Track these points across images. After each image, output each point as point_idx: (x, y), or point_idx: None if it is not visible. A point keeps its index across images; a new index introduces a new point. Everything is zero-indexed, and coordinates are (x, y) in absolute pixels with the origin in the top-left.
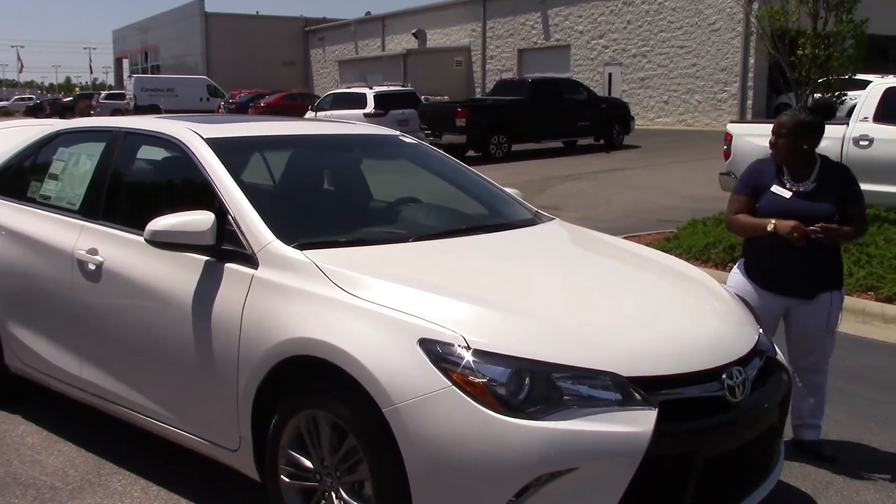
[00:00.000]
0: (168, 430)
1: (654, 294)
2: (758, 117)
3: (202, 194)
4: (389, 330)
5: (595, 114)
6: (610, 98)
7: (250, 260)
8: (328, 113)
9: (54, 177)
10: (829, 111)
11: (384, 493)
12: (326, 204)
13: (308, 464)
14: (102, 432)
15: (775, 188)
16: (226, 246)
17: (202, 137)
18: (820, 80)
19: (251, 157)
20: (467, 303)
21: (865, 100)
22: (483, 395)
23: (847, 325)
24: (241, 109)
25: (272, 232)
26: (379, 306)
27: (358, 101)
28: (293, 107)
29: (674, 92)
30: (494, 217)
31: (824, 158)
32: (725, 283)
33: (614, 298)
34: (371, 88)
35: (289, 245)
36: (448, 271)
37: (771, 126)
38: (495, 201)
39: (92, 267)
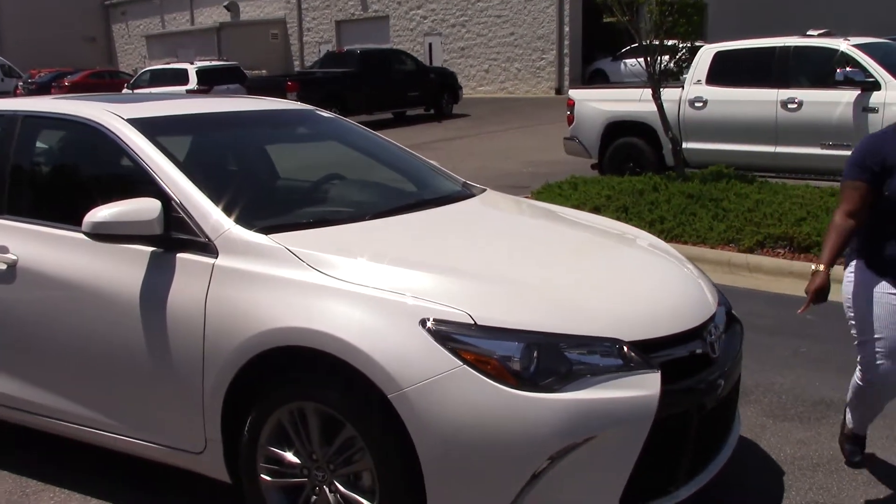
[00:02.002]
0: (113, 438)
1: (625, 259)
2: (575, 84)
3: (135, 181)
4: (385, 312)
5: (424, 84)
6: (437, 68)
7: (206, 248)
8: (147, 90)
9: None
10: None
11: (391, 482)
12: (268, 184)
13: (294, 459)
14: (12, 450)
15: None
16: (175, 235)
17: (123, 118)
18: (668, 45)
19: (179, 137)
20: (458, 279)
21: (698, 63)
22: (498, 371)
23: (717, 276)
24: (43, 90)
25: (228, 217)
26: (368, 288)
27: (179, 76)
28: (102, 85)
29: (494, 61)
30: (433, 190)
31: None
32: (845, 294)
33: (592, 265)
34: (192, 63)
35: (249, 230)
36: (423, 248)
37: (611, 90)
38: (426, 174)
39: (2, 266)
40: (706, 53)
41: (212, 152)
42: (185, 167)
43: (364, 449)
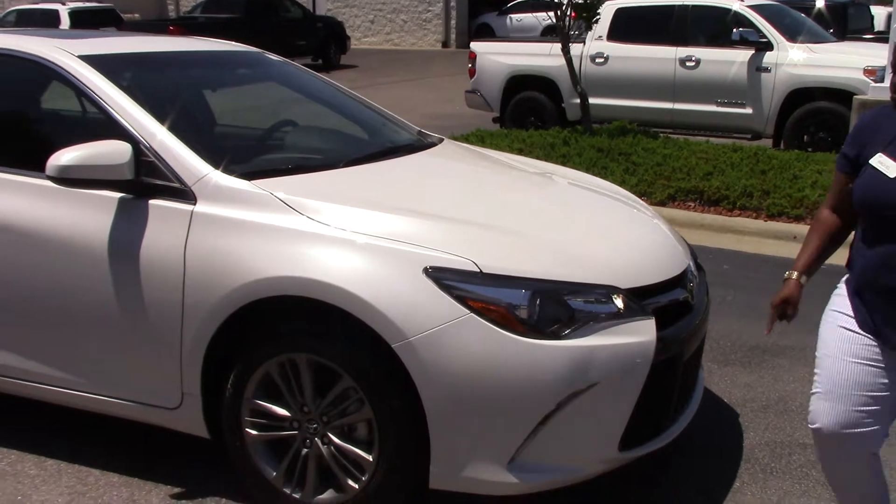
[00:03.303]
0: (77, 396)
1: (606, 209)
2: (461, 37)
3: (95, 123)
4: (387, 260)
5: (311, 32)
6: (325, 17)
7: (182, 195)
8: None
9: None
10: None
11: (392, 433)
12: (233, 128)
13: (283, 412)
14: None
15: (878, 159)
16: (146, 180)
17: (74, 55)
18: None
19: (134, 76)
20: (456, 226)
21: (599, 19)
22: (506, 319)
23: None
24: None
25: (205, 162)
26: (365, 236)
27: (49, 18)
28: None
29: (379, 11)
30: (397, 138)
31: None
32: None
33: (577, 215)
34: (64, 4)
35: (229, 175)
36: (409, 196)
37: (513, 44)
38: (384, 122)
39: None
40: (607, 10)
41: (171, 94)
42: (151, 109)
43: (363, 400)
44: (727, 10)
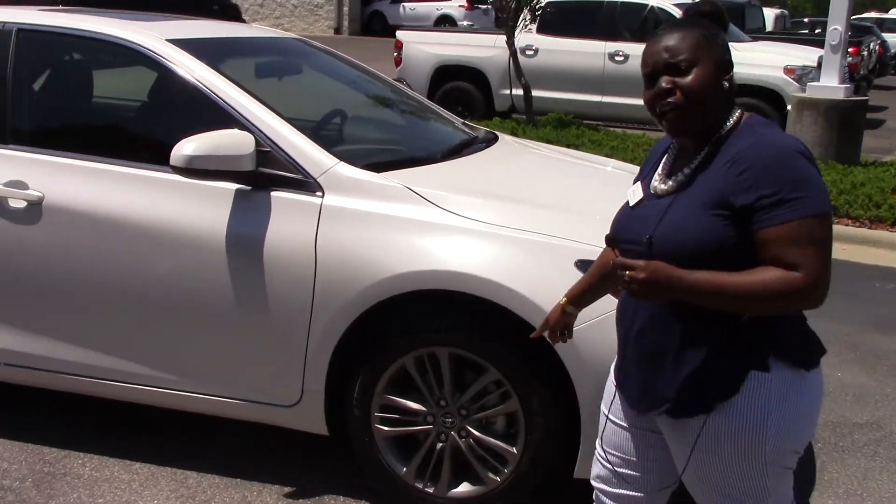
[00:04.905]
0: (179, 396)
1: None
2: (353, 25)
3: (199, 112)
4: (537, 254)
5: (206, 13)
6: None
7: (307, 187)
8: None
9: None
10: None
11: (538, 424)
12: (327, 118)
13: (417, 406)
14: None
15: (633, 186)
16: (265, 171)
17: (168, 41)
18: None
19: (226, 64)
20: (590, 219)
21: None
22: None
23: None
24: None
25: (328, 153)
26: (510, 229)
27: None
28: None
29: None
30: (463, 131)
31: (748, 124)
32: None
33: None
34: None
35: (355, 167)
36: (523, 189)
37: (441, 34)
38: (430, 112)
39: (19, 205)
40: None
41: (252, 81)
42: (258, 97)
43: (509, 393)
44: (657, 8)
